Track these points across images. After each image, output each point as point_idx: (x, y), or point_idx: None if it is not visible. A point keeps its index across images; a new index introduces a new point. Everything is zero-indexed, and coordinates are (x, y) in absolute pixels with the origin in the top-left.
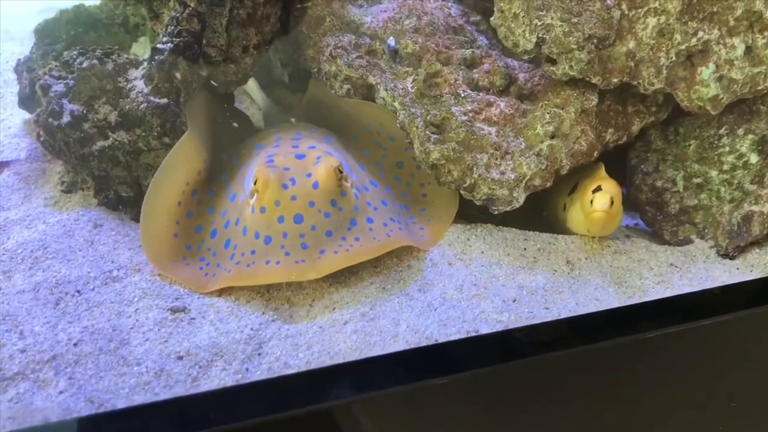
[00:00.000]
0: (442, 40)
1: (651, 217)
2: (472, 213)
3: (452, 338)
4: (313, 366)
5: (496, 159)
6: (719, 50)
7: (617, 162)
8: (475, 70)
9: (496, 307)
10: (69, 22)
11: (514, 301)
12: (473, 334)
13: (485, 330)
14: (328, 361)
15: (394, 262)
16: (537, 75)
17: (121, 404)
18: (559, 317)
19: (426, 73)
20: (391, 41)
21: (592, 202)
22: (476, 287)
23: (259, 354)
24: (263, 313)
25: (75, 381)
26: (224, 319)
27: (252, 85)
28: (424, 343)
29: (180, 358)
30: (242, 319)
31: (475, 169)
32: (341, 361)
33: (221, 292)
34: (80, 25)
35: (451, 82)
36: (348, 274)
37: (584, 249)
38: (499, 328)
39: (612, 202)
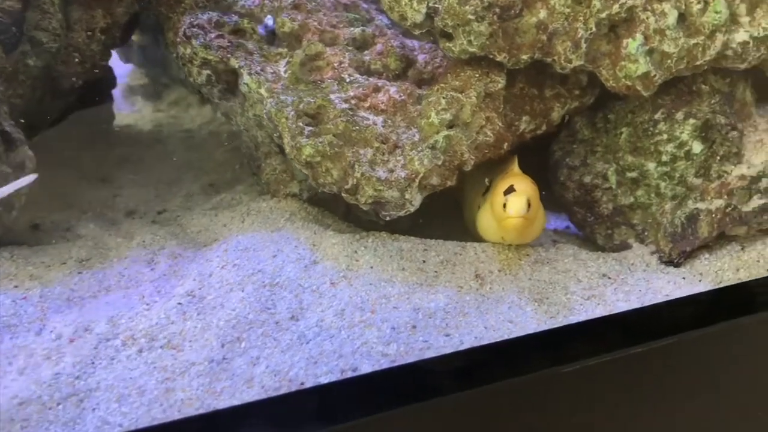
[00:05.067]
0: (327, 18)
1: (581, 218)
2: (369, 218)
3: (321, 380)
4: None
5: (383, 154)
6: (647, 18)
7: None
8: (366, 52)
9: (383, 336)
10: None
11: (407, 327)
12: (350, 373)
13: (365, 367)
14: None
15: (258, 277)
16: (439, 56)
17: None
18: (461, 347)
19: (304, 54)
20: (269, 20)
21: (504, 205)
22: (361, 311)
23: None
24: None
25: None
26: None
27: None
28: (284, 389)
29: None
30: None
31: (357, 166)
32: (173, 417)
33: None
34: None
35: (335, 65)
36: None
37: (498, 259)
38: (384, 364)
39: (529, 205)
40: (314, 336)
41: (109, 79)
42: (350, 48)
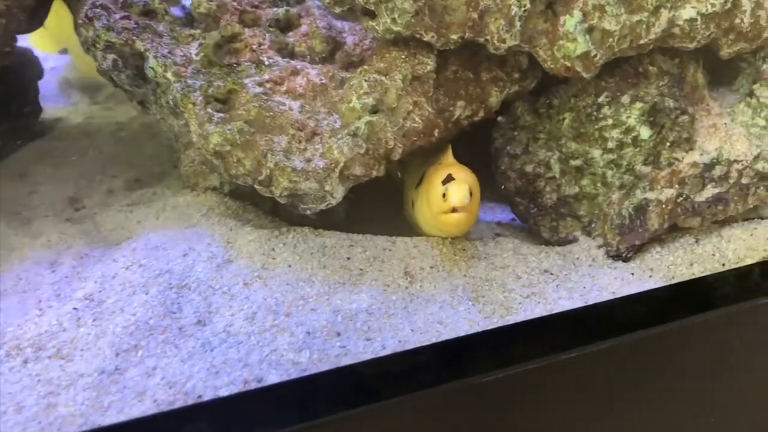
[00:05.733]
0: None
1: (523, 210)
2: (299, 213)
3: (221, 393)
4: None
5: (300, 142)
6: None
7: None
8: (290, 34)
9: (296, 342)
10: None
11: (324, 331)
12: (254, 384)
13: (272, 378)
14: None
15: (165, 278)
16: (369, 38)
17: None
18: (383, 352)
19: (220, 36)
20: (186, 0)
21: (444, 196)
22: (275, 315)
23: None
24: None
25: None
26: None
27: None
28: (179, 403)
29: None
30: None
31: (270, 155)
32: None
33: None
34: None
35: (254, 47)
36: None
37: (431, 255)
38: (293, 373)
39: (471, 194)
40: (220, 343)
41: (33, 70)
42: (272, 29)
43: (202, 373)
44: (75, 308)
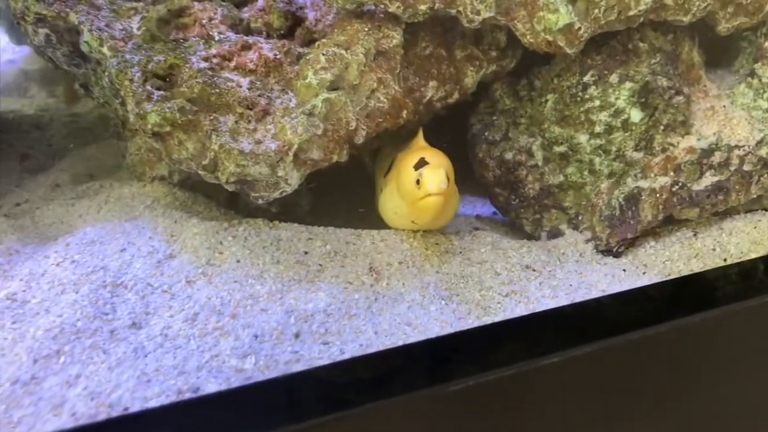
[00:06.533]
0: None
1: (504, 201)
2: (258, 205)
3: (151, 404)
4: None
5: (249, 122)
6: None
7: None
8: (245, 9)
9: (241, 346)
10: None
11: (273, 334)
12: (188, 395)
13: (210, 387)
14: None
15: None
16: (332, 12)
17: None
18: (340, 358)
19: (167, 10)
20: None
21: (418, 182)
22: (219, 316)
23: None
24: None
25: None
26: None
27: None
28: (102, 416)
29: None
30: None
31: (214, 136)
32: None
33: None
34: None
35: (204, 21)
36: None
37: (400, 249)
38: (236, 381)
39: (447, 179)
40: (155, 348)
41: None
42: (225, 3)
43: (131, 382)
44: None
